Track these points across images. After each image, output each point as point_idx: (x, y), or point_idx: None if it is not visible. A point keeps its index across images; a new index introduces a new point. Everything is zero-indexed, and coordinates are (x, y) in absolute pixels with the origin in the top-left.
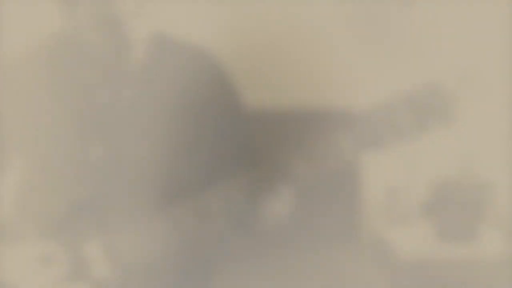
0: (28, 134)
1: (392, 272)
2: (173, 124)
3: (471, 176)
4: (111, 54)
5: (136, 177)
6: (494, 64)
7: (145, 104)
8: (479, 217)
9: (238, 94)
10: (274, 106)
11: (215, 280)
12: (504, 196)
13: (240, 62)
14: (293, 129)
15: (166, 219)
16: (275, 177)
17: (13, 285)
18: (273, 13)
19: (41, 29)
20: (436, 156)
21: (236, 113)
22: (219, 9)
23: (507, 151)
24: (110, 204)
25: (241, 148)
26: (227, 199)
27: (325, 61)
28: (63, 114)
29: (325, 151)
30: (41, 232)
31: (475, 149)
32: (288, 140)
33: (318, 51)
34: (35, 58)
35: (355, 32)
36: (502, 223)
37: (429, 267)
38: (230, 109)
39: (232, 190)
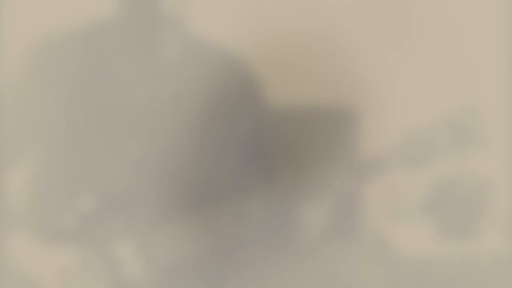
0: (60, 130)
1: (393, 270)
2: (207, 125)
3: (471, 173)
4: (143, 50)
5: (168, 177)
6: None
7: (178, 103)
8: (479, 215)
9: (270, 95)
10: (305, 107)
11: (242, 281)
12: (505, 193)
13: (269, 62)
14: (325, 131)
15: (197, 221)
16: (305, 180)
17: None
18: (298, 10)
19: (71, 15)
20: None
21: (267, 114)
22: (243, 7)
23: (508, 148)
24: (141, 204)
25: (273, 149)
26: (260, 202)
27: (355, 60)
28: (95, 110)
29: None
30: (72, 233)
31: (475, 145)
32: (318, 143)
33: (349, 50)
34: (65, 47)
35: (383, 30)
36: (502, 221)
37: (429, 265)
38: (261, 110)
39: (265, 193)
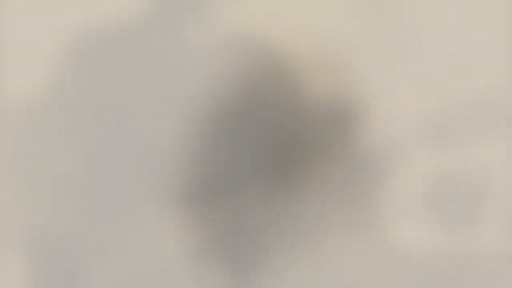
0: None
1: (393, 263)
2: (220, 122)
3: (471, 167)
4: (172, 45)
5: (177, 170)
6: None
7: (188, 99)
8: (480, 208)
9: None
10: (310, 105)
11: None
12: (505, 187)
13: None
14: (328, 129)
15: (200, 216)
16: (309, 176)
17: None
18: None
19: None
20: (436, 147)
21: (278, 112)
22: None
23: (507, 141)
24: (141, 198)
25: (282, 146)
26: (259, 199)
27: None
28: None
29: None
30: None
31: (475, 139)
32: (323, 139)
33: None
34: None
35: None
36: (502, 214)
37: (429, 259)
38: (272, 108)
39: (263, 190)
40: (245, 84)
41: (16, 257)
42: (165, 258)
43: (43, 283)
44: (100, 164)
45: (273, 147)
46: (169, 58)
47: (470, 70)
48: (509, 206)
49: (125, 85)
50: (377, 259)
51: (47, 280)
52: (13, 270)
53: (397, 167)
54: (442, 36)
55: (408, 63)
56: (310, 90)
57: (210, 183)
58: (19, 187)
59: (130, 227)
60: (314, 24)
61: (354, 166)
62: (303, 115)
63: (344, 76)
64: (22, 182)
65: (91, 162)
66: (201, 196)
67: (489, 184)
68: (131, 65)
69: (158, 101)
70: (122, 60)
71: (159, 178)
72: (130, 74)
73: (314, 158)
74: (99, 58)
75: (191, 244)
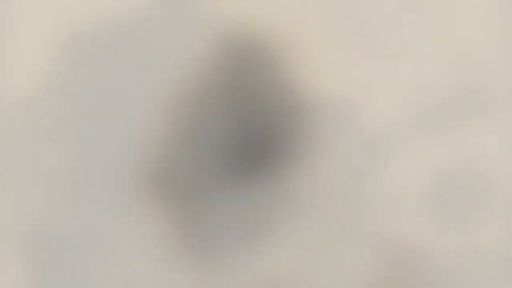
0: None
1: (392, 261)
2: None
3: (471, 165)
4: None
5: (148, 162)
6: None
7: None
8: (480, 206)
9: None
10: (294, 97)
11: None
12: (505, 184)
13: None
14: (316, 122)
15: (172, 209)
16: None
17: None
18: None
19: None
20: (436, 145)
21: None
22: None
23: (508, 139)
24: (117, 190)
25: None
26: (238, 192)
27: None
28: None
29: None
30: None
31: (475, 137)
32: (308, 134)
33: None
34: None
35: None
36: (502, 212)
37: (429, 257)
38: (247, 101)
39: (230, 187)
40: (218, 78)
41: (16, 257)
42: (148, 255)
43: (41, 281)
44: (83, 161)
45: (254, 140)
46: (143, 57)
47: (468, 67)
48: (509, 204)
49: (111, 84)
50: (372, 256)
51: (45, 277)
52: (13, 270)
53: (389, 163)
54: (435, 28)
55: (402, 58)
56: (294, 85)
57: (183, 175)
58: (17, 185)
59: (120, 225)
60: (299, 18)
61: (342, 161)
62: (287, 110)
63: (332, 70)
64: (19, 179)
65: (81, 160)
66: (174, 189)
67: (487, 179)
68: (120, 65)
69: (144, 98)
70: (116, 60)
71: (136, 170)
72: (117, 72)
73: (298, 153)
74: (95, 58)
75: (162, 237)
